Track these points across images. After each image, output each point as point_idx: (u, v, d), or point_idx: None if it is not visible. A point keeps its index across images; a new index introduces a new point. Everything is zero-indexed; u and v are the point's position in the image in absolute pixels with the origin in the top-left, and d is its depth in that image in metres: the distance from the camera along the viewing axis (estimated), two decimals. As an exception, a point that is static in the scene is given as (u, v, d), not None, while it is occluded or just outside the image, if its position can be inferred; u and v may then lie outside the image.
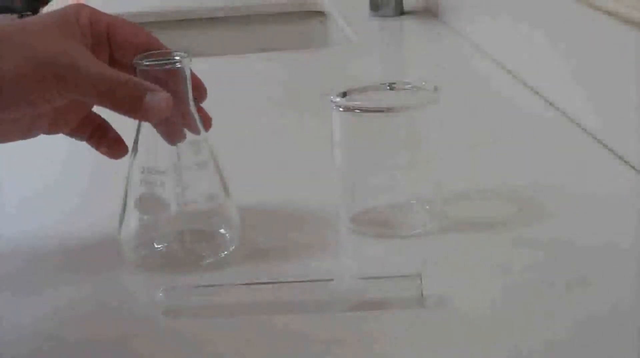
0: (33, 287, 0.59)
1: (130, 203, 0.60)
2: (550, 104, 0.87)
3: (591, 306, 0.53)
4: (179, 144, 0.60)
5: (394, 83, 0.64)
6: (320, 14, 1.51)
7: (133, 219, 0.60)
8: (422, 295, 0.54)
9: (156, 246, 0.61)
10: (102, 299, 0.57)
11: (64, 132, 0.63)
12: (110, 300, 0.57)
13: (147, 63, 0.57)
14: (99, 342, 0.53)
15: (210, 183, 0.60)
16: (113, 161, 0.64)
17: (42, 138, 0.62)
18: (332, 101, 0.62)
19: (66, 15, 0.58)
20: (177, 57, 0.58)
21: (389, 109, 0.61)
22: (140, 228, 0.60)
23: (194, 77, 0.60)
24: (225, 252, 0.61)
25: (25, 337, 0.54)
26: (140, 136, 0.59)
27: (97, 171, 0.78)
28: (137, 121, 0.59)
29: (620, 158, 0.73)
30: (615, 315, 0.52)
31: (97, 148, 0.64)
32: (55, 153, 0.81)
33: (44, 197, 0.75)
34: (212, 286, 0.55)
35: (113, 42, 0.59)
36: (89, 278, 0.60)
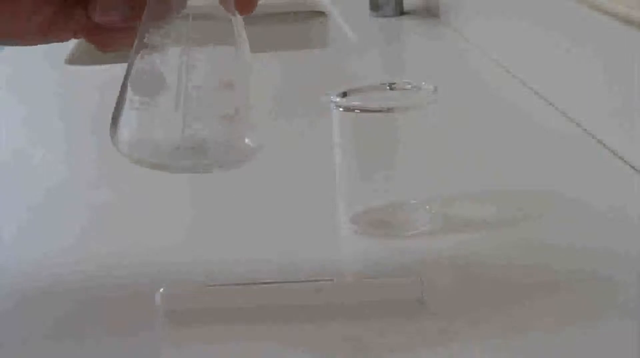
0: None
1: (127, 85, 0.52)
2: (551, 104, 0.87)
3: (592, 306, 0.53)
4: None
5: (394, 83, 0.64)
6: (320, 14, 1.51)
7: (130, 107, 0.52)
8: (422, 295, 0.54)
9: (157, 142, 0.52)
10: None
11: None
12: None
13: None
14: (97, 343, 0.53)
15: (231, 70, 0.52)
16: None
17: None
18: (332, 101, 0.62)
19: None
20: None
21: (389, 109, 0.61)
22: (138, 117, 0.52)
23: None
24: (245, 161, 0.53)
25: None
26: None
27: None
28: None
29: (621, 158, 0.73)
30: (617, 315, 0.52)
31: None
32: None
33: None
34: (211, 286, 0.55)
35: None
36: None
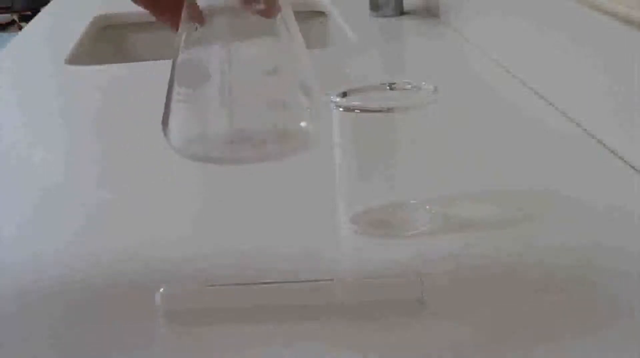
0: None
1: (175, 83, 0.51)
2: (551, 104, 0.87)
3: (592, 306, 0.53)
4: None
5: (394, 83, 0.64)
6: (320, 14, 1.51)
7: (177, 101, 0.51)
8: (422, 295, 0.54)
9: (208, 136, 0.52)
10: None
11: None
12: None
13: None
14: (97, 342, 0.53)
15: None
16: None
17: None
18: (332, 101, 0.62)
19: None
20: None
21: (389, 109, 0.61)
22: (186, 111, 0.51)
23: None
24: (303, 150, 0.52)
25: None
26: None
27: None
28: None
29: (621, 158, 0.73)
30: (617, 315, 0.52)
31: None
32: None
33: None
34: (211, 286, 0.55)
35: None
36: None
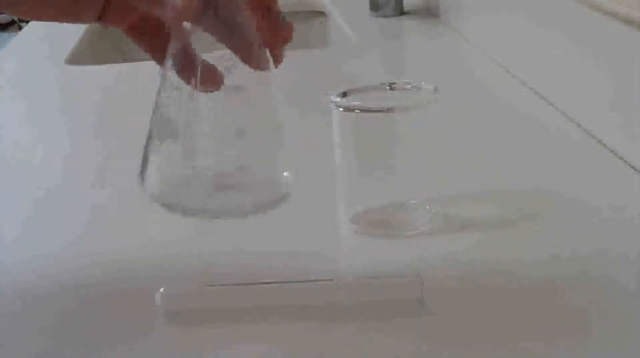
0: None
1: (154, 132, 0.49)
2: (551, 104, 0.87)
3: (592, 306, 0.53)
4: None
5: (394, 83, 0.64)
6: (320, 14, 1.51)
7: (155, 151, 0.49)
8: (422, 295, 0.54)
9: (186, 187, 0.50)
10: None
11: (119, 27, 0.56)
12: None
13: None
14: (97, 342, 0.53)
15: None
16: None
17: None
18: (332, 101, 0.62)
19: None
20: None
21: (389, 109, 0.61)
22: (164, 161, 0.49)
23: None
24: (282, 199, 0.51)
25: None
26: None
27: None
28: None
29: (621, 158, 0.73)
30: (616, 315, 0.52)
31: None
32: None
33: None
34: (211, 286, 0.55)
35: None
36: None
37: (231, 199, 0.50)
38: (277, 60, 0.52)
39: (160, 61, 0.53)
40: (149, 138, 0.50)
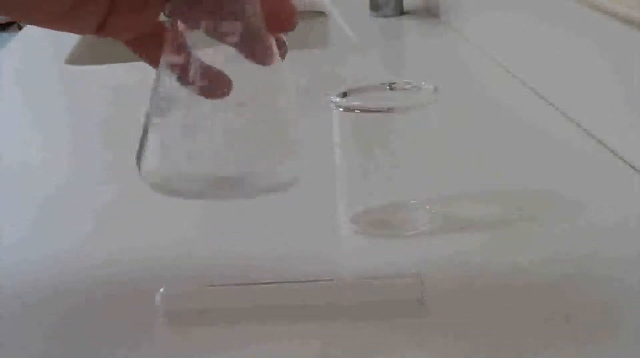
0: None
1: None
2: (551, 104, 0.87)
3: (592, 306, 0.53)
4: None
5: (394, 83, 0.64)
6: (320, 14, 1.51)
7: (152, 131, 0.48)
8: (422, 295, 0.54)
9: (182, 170, 0.48)
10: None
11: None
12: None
13: None
14: (97, 343, 0.53)
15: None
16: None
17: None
18: (332, 101, 0.62)
19: None
20: None
21: (389, 109, 0.61)
22: (161, 143, 0.48)
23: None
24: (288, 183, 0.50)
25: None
26: None
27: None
28: None
29: (621, 158, 0.73)
30: (616, 315, 0.52)
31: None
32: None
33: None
34: (211, 286, 0.55)
35: None
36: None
37: (234, 182, 0.48)
38: (281, 47, 0.50)
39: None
40: (147, 119, 0.49)
